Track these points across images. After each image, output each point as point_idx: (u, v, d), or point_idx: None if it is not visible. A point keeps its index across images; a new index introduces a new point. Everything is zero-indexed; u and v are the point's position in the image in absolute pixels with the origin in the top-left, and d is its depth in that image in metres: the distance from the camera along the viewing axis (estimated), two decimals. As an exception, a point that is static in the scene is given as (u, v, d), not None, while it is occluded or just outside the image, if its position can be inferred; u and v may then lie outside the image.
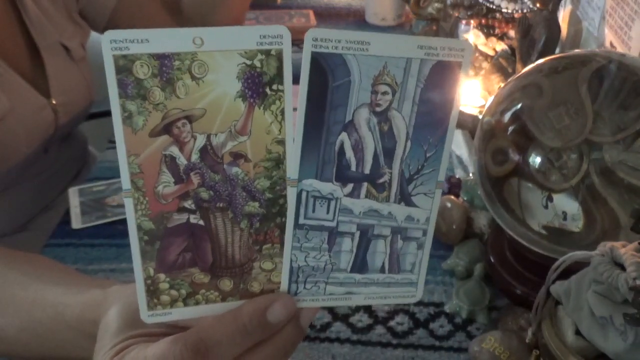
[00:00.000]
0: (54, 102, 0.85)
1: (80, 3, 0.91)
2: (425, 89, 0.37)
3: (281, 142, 0.37)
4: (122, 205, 0.80)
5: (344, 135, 0.37)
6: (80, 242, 0.77)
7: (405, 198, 0.40)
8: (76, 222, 0.79)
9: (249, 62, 0.35)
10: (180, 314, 0.39)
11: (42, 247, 0.76)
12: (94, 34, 0.97)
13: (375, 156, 0.38)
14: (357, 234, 0.40)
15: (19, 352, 0.50)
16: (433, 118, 0.38)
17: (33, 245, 0.80)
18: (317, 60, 0.35)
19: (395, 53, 0.36)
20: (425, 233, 0.41)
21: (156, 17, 0.98)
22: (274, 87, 0.35)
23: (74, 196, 0.83)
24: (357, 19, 1.37)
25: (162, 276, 0.38)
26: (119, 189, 0.83)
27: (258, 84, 0.35)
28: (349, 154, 0.38)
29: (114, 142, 0.95)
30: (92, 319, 0.43)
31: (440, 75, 0.37)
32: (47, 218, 0.90)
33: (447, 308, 0.66)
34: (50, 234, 0.78)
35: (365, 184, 0.39)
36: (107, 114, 1.13)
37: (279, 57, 0.35)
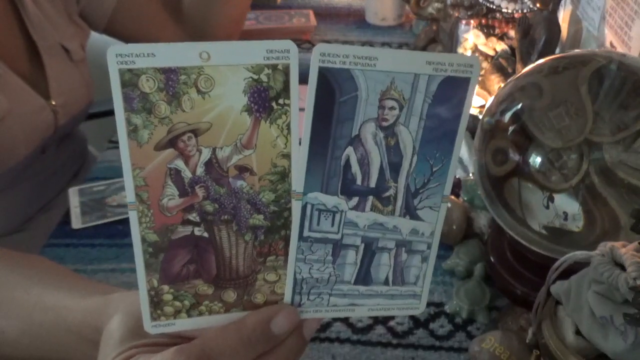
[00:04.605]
0: (53, 103, 0.85)
1: (81, 4, 0.91)
2: (432, 104, 0.37)
3: (287, 156, 0.37)
4: (122, 205, 0.80)
5: (350, 150, 0.37)
6: (80, 242, 0.76)
7: (410, 212, 0.40)
8: (76, 222, 0.79)
9: (255, 77, 0.35)
10: (183, 325, 0.39)
11: (42, 247, 0.76)
12: (93, 34, 0.97)
13: (381, 170, 0.38)
14: (362, 247, 0.40)
15: (19, 354, 0.50)
16: (440, 133, 0.38)
17: (33, 245, 0.80)
18: (325, 75, 0.35)
19: (402, 68, 0.36)
20: (429, 246, 0.41)
21: (156, 18, 0.97)
22: (280, 101, 0.36)
23: (74, 196, 0.83)
24: (357, 19, 1.36)
25: (166, 287, 0.38)
26: (119, 189, 0.83)
27: (264, 99, 0.35)
28: (355, 168, 0.38)
29: (113, 142, 0.96)
30: (93, 326, 0.43)
31: (448, 90, 0.37)
32: (47, 218, 0.90)
33: (447, 308, 0.66)
34: (50, 234, 0.78)
35: (370, 198, 0.39)
36: (107, 113, 1.14)
37: (286, 71, 0.35)
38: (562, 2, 0.87)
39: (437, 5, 1.04)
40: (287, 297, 0.40)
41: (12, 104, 0.78)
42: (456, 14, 0.95)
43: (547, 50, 0.78)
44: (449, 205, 0.72)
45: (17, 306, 0.50)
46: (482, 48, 0.92)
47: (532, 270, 0.63)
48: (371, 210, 0.39)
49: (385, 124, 0.37)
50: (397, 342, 0.63)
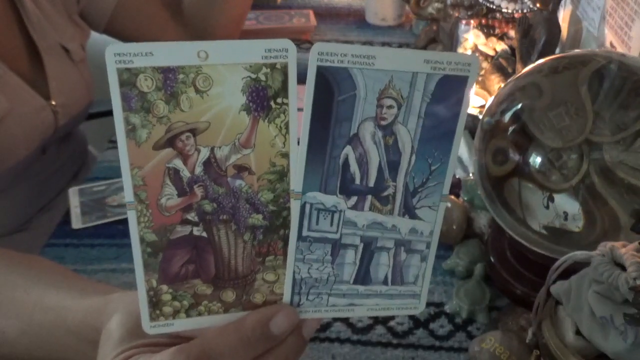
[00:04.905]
0: (53, 103, 0.85)
1: (81, 4, 0.91)
2: (431, 103, 0.37)
3: (285, 155, 0.37)
4: (122, 205, 0.80)
5: (348, 149, 0.37)
6: (80, 242, 0.76)
7: (409, 211, 0.40)
8: (76, 222, 0.79)
9: (253, 76, 0.35)
10: (182, 325, 0.39)
11: (42, 247, 0.76)
12: (93, 34, 0.97)
13: (380, 169, 0.38)
14: (361, 247, 0.40)
15: (19, 354, 0.50)
16: (439, 132, 0.38)
17: (33, 245, 0.80)
18: (323, 74, 0.35)
19: (401, 67, 0.36)
20: (428, 246, 0.41)
21: (156, 18, 0.97)
22: (279, 100, 0.35)
23: (74, 196, 0.83)
24: (357, 19, 1.36)
25: (164, 287, 0.38)
26: (119, 189, 0.83)
27: (263, 98, 0.35)
28: (354, 167, 0.38)
29: (113, 142, 0.96)
30: (93, 325, 0.43)
31: (447, 89, 0.37)
32: (47, 218, 0.90)
33: (447, 308, 0.66)
34: (50, 234, 0.78)
35: (369, 197, 0.39)
36: (107, 113, 1.14)
37: (284, 70, 0.35)
38: (562, 2, 0.87)
39: (437, 5, 1.04)
40: (286, 297, 0.40)
41: (12, 104, 0.78)
42: (456, 14, 0.95)
43: (547, 50, 0.78)
44: (449, 204, 0.72)
45: (17, 306, 0.50)
46: (482, 48, 0.92)
47: (532, 270, 0.63)
48: (370, 209, 0.39)
49: (383, 122, 0.37)
50: (397, 342, 0.63)
